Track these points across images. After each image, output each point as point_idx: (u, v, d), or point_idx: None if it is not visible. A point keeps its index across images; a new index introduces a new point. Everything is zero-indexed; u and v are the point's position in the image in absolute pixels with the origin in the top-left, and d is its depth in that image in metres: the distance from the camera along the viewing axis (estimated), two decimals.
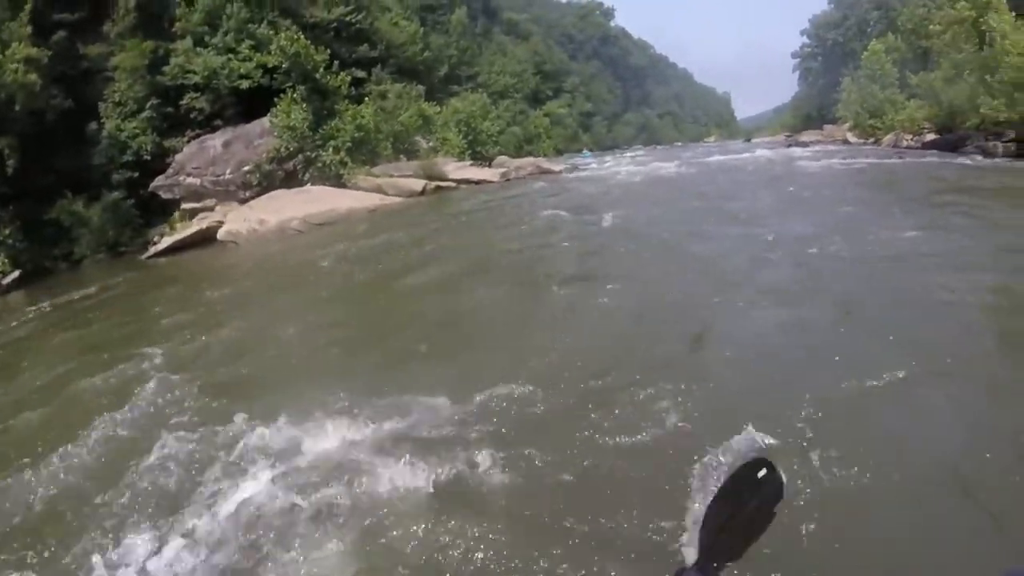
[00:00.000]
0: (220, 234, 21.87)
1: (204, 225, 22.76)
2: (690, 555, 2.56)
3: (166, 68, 28.58)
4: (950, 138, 25.60)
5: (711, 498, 2.15)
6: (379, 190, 24.22)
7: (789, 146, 41.93)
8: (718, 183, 19.70)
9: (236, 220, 22.30)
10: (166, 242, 22.73)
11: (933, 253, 8.31)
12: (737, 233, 10.74)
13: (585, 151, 61.91)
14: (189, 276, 17.51)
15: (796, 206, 13.55)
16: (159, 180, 25.87)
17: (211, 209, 25.07)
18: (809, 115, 66.35)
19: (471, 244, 13.98)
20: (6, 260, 22.19)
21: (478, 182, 26.84)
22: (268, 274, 14.97)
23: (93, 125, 27.28)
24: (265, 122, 26.79)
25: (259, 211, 22.46)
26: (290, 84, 27.49)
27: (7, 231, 22.90)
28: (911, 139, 29.94)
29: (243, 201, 24.81)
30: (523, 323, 7.46)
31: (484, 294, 9.04)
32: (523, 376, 5.25)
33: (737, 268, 8.45)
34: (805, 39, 75.16)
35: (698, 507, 3.29)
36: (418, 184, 24.58)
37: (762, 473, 2.23)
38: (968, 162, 20.23)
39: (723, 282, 7.79)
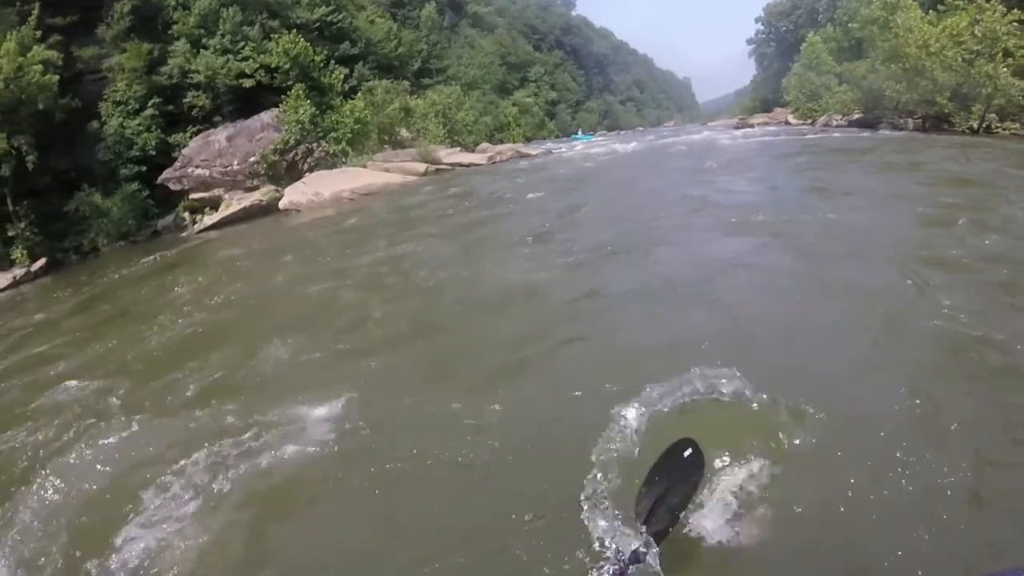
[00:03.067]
0: (282, 204, 25.26)
1: (248, 203, 25.60)
2: (628, 543, 2.68)
3: (164, 68, 30.49)
4: (869, 118, 31.54)
5: (642, 483, 2.27)
6: (391, 172, 27.23)
7: (737, 127, 46.10)
8: (659, 156, 26.45)
9: (293, 193, 25.59)
10: (214, 218, 25.60)
11: (813, 186, 13.98)
12: (664, 184, 17.31)
13: (581, 133, 65.02)
14: (269, 236, 20.91)
15: (714, 166, 19.29)
16: (168, 172, 27.86)
17: (219, 198, 27.37)
18: (766, 99, 69.53)
19: (490, 196, 19.55)
20: (24, 252, 23.96)
21: (468, 165, 30.17)
22: (344, 224, 18.80)
23: (95, 124, 29.01)
24: (265, 117, 29.07)
25: (312, 186, 25.85)
26: (290, 83, 29.90)
27: (22, 225, 24.53)
28: (840, 119, 34.94)
29: (249, 189, 27.23)
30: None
31: (513, 219, 14.95)
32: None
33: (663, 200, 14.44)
34: (760, 26, 78.17)
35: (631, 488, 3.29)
36: (420, 167, 27.76)
37: (688, 453, 2.42)
38: (873, 134, 26.48)
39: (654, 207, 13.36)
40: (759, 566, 2.98)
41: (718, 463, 3.48)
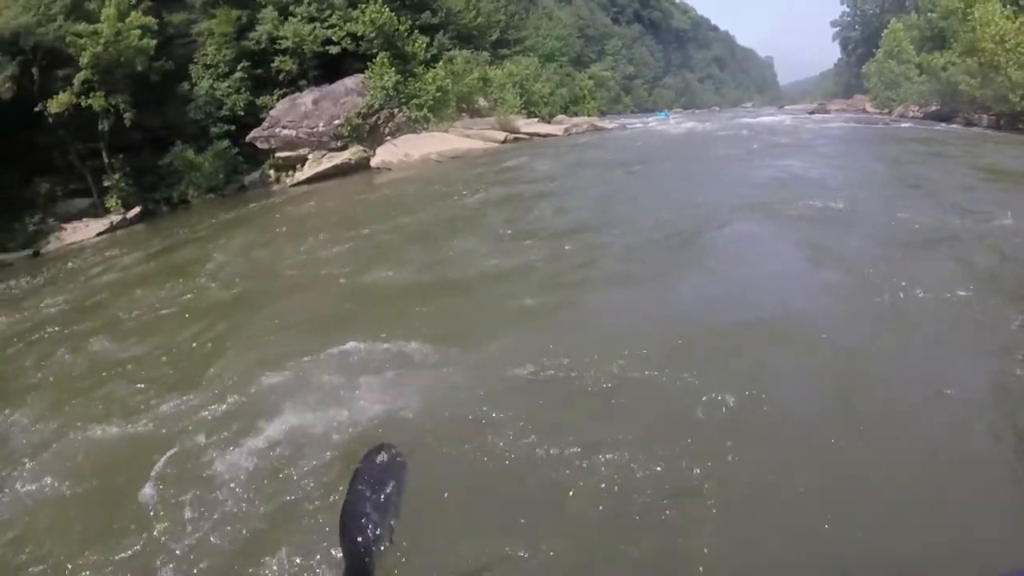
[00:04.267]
0: (374, 162, 27.18)
1: (338, 160, 27.31)
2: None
3: (252, 34, 31.75)
4: (944, 111, 30.52)
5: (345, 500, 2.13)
6: (471, 138, 28.15)
7: (811, 113, 44.92)
8: (723, 136, 26.69)
9: (384, 153, 27.46)
10: (308, 172, 27.60)
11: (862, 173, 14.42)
12: (731, 154, 18.91)
13: (662, 112, 64.25)
14: (365, 189, 22.49)
15: (780, 147, 20.04)
16: (256, 132, 29.50)
17: (304, 157, 28.89)
18: (849, 84, 67.03)
19: (571, 164, 20.61)
20: (118, 201, 25.60)
21: (545, 135, 30.42)
22: (436, 181, 20.24)
23: (185, 85, 30.43)
24: (348, 82, 30.12)
25: (402, 147, 27.61)
26: (374, 51, 30.81)
27: (117, 176, 26.13)
28: (916, 110, 33.49)
29: (333, 150, 28.74)
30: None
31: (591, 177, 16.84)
32: None
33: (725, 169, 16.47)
34: (845, 8, 74.97)
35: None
36: (500, 135, 28.69)
37: (382, 458, 2.34)
38: (944, 128, 25.91)
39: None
40: None
41: None
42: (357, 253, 10.93)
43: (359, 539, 1.95)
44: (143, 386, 6.35)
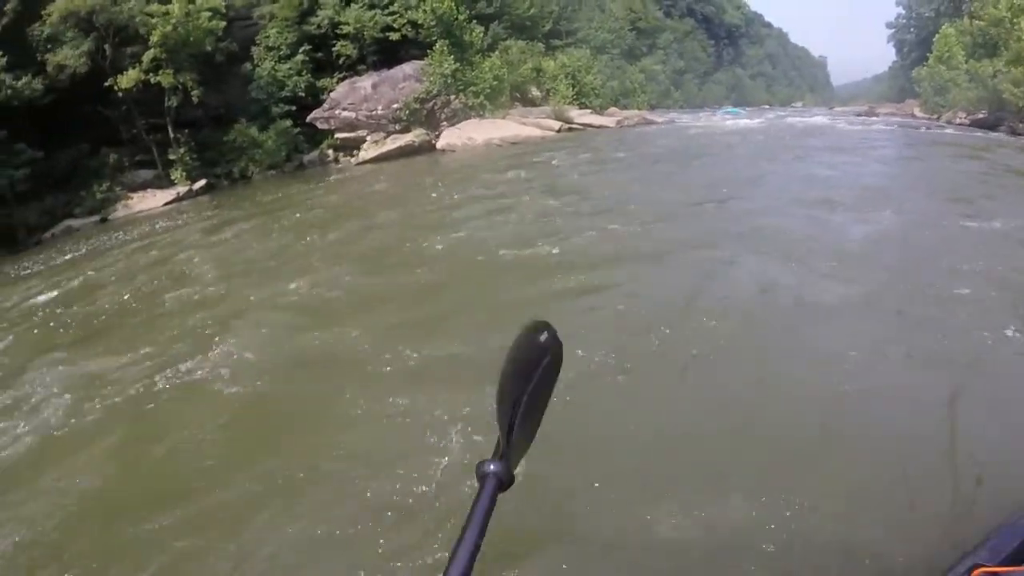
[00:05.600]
0: (440, 145, 28.39)
1: (402, 142, 28.53)
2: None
3: (313, 19, 32.68)
4: (990, 119, 29.56)
5: (500, 376, 1.82)
6: (528, 126, 28.91)
7: (860, 115, 44.36)
8: (767, 132, 27.89)
9: (449, 137, 28.66)
10: (373, 152, 28.73)
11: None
12: (752, 157, 19.05)
13: (731, 107, 63.70)
14: (433, 170, 23.33)
15: (827, 147, 20.28)
16: (317, 112, 30.55)
17: (362, 139, 29.97)
18: (903, 87, 65.54)
19: (629, 153, 21.67)
20: (183, 174, 26.71)
21: (598, 126, 30.68)
22: (504, 163, 20.93)
23: (247, 66, 31.29)
24: (407, 68, 30.91)
25: (465, 131, 28.82)
26: (433, 38, 31.50)
27: (182, 151, 27.13)
28: (963, 117, 32.81)
29: (390, 133, 29.64)
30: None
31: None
32: None
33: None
34: (900, 10, 73.00)
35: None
36: (555, 124, 29.24)
37: (543, 337, 1.78)
38: (985, 135, 25.58)
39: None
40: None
41: None
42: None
43: (513, 410, 1.93)
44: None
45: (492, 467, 1.40)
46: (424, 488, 4.04)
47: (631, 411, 4.88)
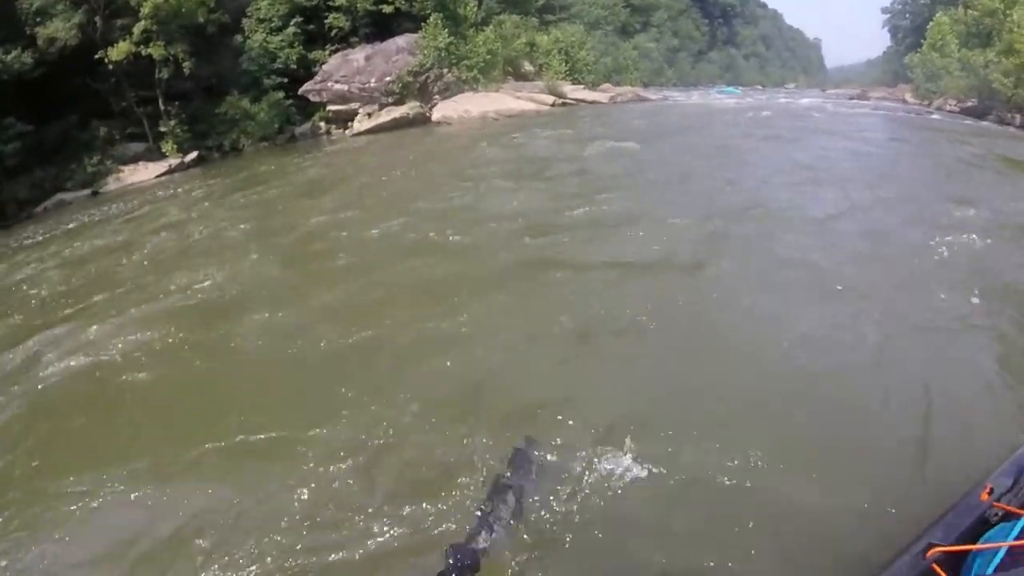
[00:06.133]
0: (436, 117, 28.50)
1: (397, 114, 28.57)
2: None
3: None
4: (979, 107, 30.22)
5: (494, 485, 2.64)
6: (522, 100, 29.20)
7: (851, 99, 44.75)
8: (755, 110, 28.17)
9: (445, 109, 28.75)
10: (368, 124, 28.75)
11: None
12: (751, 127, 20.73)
13: (726, 86, 63.57)
14: (432, 142, 23.77)
15: (810, 127, 21.17)
16: (309, 85, 30.44)
17: (355, 112, 29.91)
18: (896, 72, 65.55)
19: (623, 127, 21.85)
20: (174, 146, 26.61)
21: (592, 102, 30.86)
22: (502, 135, 21.35)
23: (238, 38, 31.04)
24: (400, 41, 30.82)
25: (462, 104, 28.97)
26: (427, 11, 31.25)
27: (173, 123, 27.02)
28: (953, 104, 33.36)
29: (384, 106, 29.50)
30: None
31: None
32: None
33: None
34: None
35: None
36: (548, 99, 29.70)
37: (531, 450, 2.88)
38: (975, 123, 26.34)
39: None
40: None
41: None
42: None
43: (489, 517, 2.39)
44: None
45: (459, 556, 2.44)
46: None
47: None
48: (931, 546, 2.34)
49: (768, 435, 4.26)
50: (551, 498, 3.61)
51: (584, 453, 4.07)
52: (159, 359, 6.33)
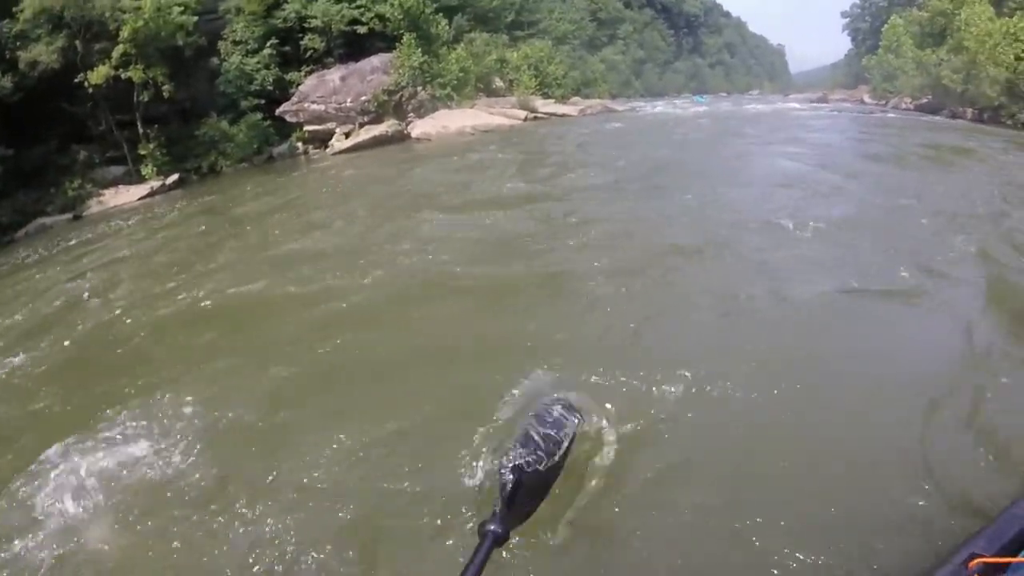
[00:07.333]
0: (415, 133, 29.23)
1: (376, 132, 29.26)
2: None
3: (279, 13, 33.18)
4: (933, 104, 32.20)
5: (514, 443, 2.06)
6: (496, 116, 30.24)
7: (812, 102, 46.60)
8: (720, 116, 30.78)
9: (423, 126, 29.52)
10: (348, 142, 29.35)
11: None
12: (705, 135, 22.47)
13: (698, 96, 65.11)
14: (410, 157, 23.87)
15: (767, 126, 23.44)
16: (286, 106, 31.22)
17: (332, 131, 30.66)
18: (858, 75, 67.49)
19: (591, 137, 23.49)
20: (153, 169, 26.98)
21: (562, 115, 32.05)
22: (481, 149, 22.06)
23: (214, 60, 31.59)
24: (375, 60, 31.73)
25: (439, 121, 29.79)
26: (400, 31, 32.32)
27: (152, 146, 27.41)
28: (909, 103, 34.99)
29: (362, 125, 30.32)
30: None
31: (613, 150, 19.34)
32: None
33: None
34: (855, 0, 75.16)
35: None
36: (520, 114, 30.66)
37: (557, 410, 2.27)
38: (926, 118, 28.22)
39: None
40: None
41: None
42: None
43: (517, 486, 1.88)
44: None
45: (492, 527, 1.67)
46: None
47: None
48: (973, 556, 2.27)
49: (801, 436, 4.18)
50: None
51: None
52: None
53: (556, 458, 2.10)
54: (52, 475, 4.33)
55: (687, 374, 4.67)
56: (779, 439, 4.11)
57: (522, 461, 1.98)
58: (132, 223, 18.62)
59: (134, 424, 4.86)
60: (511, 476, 1.90)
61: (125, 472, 4.32)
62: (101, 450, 4.56)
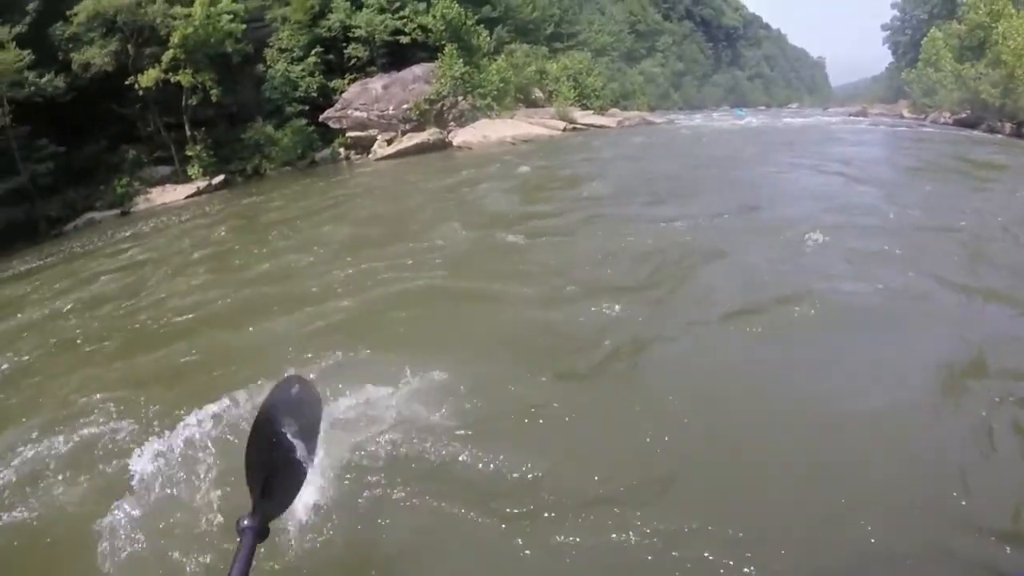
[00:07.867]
0: (456, 142, 29.43)
1: (418, 140, 29.61)
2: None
3: (324, 22, 34.06)
4: (971, 118, 31.24)
5: (251, 434, 1.87)
6: (535, 126, 30.42)
7: (850, 116, 46.02)
8: (755, 131, 30.23)
9: (464, 135, 29.74)
10: (391, 149, 29.77)
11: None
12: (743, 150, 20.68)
13: (738, 110, 64.86)
14: (454, 165, 23.87)
15: (810, 141, 22.70)
16: (329, 112, 31.88)
17: (373, 138, 31.20)
18: (899, 88, 66.55)
19: (632, 149, 23.06)
20: (200, 170, 27.89)
21: (600, 126, 32.03)
22: (522, 159, 21.60)
23: (260, 67, 32.40)
24: (416, 70, 32.37)
25: (480, 130, 29.97)
26: (442, 42, 32.83)
27: (198, 148, 28.28)
28: (948, 117, 34.54)
29: (404, 132, 30.80)
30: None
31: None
32: None
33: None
34: (895, 12, 74.04)
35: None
36: (560, 124, 30.74)
37: (296, 390, 2.15)
38: (964, 133, 27.29)
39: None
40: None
41: None
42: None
43: (268, 476, 1.74)
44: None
45: (247, 522, 1.49)
46: None
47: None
48: None
49: (844, 461, 3.68)
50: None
51: None
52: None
53: (307, 439, 1.96)
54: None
55: None
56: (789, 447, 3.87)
57: (268, 447, 1.85)
58: (178, 220, 19.19)
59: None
60: (258, 466, 1.77)
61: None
62: None
